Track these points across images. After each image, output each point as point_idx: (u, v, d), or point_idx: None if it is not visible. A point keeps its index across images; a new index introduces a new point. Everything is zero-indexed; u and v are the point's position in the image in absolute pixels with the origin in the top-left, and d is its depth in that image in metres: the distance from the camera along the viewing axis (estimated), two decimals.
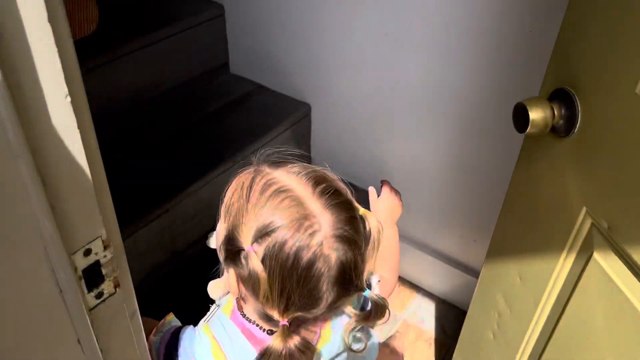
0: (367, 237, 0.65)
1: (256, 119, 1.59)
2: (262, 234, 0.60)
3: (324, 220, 0.60)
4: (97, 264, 0.45)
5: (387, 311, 0.69)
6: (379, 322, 0.70)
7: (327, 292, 0.62)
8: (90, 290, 0.45)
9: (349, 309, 0.70)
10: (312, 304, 0.62)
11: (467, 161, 1.39)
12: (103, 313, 0.47)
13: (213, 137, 1.49)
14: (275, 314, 0.62)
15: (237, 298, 0.71)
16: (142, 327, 0.54)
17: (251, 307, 0.69)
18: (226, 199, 0.65)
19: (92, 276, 0.45)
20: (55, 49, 0.33)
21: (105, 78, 1.43)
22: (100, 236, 0.43)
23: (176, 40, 1.59)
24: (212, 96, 1.68)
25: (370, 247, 0.65)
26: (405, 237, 1.64)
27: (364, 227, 0.65)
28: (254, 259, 0.60)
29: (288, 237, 0.59)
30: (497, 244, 0.97)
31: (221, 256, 0.67)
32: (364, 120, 1.54)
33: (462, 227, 1.51)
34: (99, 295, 0.46)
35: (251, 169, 0.66)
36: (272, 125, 1.57)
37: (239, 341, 0.70)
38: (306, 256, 0.59)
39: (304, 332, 0.69)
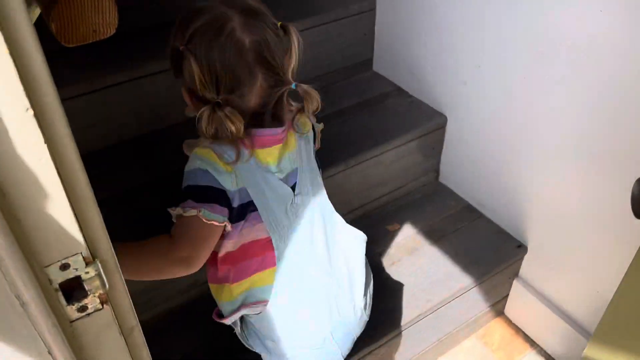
0: (286, 43, 0.82)
1: (386, 122, 1.50)
2: (190, 34, 0.78)
3: (237, 17, 0.77)
4: (78, 279, 0.42)
5: (315, 99, 0.85)
6: (312, 107, 0.86)
7: (249, 72, 0.78)
8: (70, 303, 0.43)
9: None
10: (239, 82, 0.78)
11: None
12: (88, 327, 0.45)
13: (336, 136, 1.44)
14: (211, 96, 0.78)
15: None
16: (144, 342, 0.52)
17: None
18: None
19: (74, 290, 0.43)
20: (10, 60, 0.30)
21: None
22: (81, 252, 0.41)
23: (321, 31, 1.57)
24: (349, 92, 1.63)
25: (294, 50, 0.82)
26: (530, 285, 1.44)
27: (285, 33, 0.82)
28: (186, 53, 0.77)
29: (206, 27, 0.77)
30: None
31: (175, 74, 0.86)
32: (505, 146, 1.37)
33: (602, 286, 1.28)
34: (82, 309, 0.44)
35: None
36: (400, 132, 1.47)
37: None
38: (221, 37, 0.76)
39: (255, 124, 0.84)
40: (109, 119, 1.32)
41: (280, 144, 0.87)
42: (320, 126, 1.03)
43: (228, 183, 0.82)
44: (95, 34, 0.41)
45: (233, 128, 0.77)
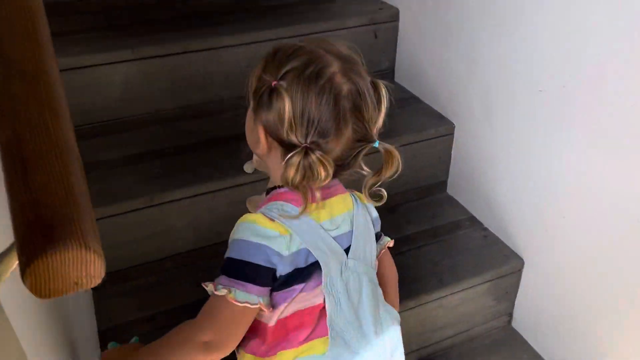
0: (375, 98, 0.76)
1: (456, 258, 1.38)
2: (285, 71, 0.72)
3: (336, 63, 0.74)
4: None
5: (397, 160, 0.78)
6: (391, 171, 0.78)
7: (342, 120, 0.73)
8: None
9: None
10: (330, 128, 0.73)
11: None
12: None
13: (398, 268, 1.34)
14: (298, 140, 0.72)
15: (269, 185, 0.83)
16: None
17: (277, 160, 0.77)
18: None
19: None
20: None
21: None
22: None
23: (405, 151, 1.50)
24: (418, 216, 1.53)
25: (380, 106, 0.76)
26: None
27: (375, 89, 0.77)
28: (280, 90, 0.72)
29: (306, 68, 0.72)
30: None
31: (251, 109, 0.79)
32: (589, 304, 1.20)
33: None
34: None
35: None
36: (471, 272, 1.35)
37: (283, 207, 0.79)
38: (321, 80, 0.71)
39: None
40: (167, 231, 1.31)
41: (334, 197, 0.82)
42: (387, 240, 0.95)
43: (282, 247, 0.75)
44: (77, 285, 0.36)
45: (324, 173, 0.73)
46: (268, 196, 0.82)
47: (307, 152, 0.72)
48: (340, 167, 0.78)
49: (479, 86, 1.41)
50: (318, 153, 0.72)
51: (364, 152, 0.77)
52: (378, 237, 0.91)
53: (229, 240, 0.78)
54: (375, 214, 0.90)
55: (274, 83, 0.72)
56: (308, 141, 0.72)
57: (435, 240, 1.46)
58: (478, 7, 1.34)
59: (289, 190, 0.78)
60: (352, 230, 0.83)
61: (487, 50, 1.35)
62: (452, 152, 1.57)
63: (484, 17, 1.33)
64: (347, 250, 0.82)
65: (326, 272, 0.79)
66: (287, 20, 1.60)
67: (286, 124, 0.72)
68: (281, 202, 0.78)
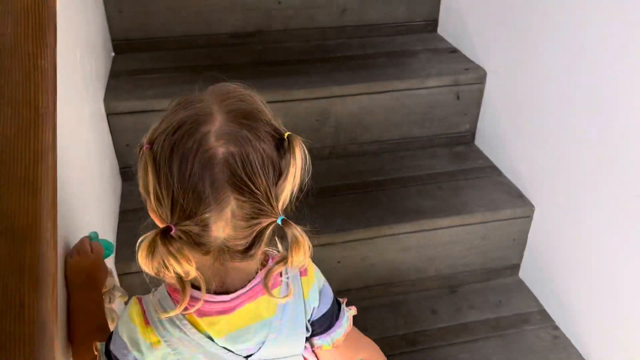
0: (279, 162, 0.59)
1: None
2: (158, 132, 0.58)
3: (219, 118, 0.57)
4: None
5: (303, 249, 0.59)
6: (297, 260, 0.60)
7: (213, 193, 0.55)
8: None
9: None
10: (199, 205, 0.55)
11: None
12: None
13: None
14: (165, 220, 0.57)
15: None
16: None
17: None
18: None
19: None
20: None
21: None
22: None
23: (460, 232, 1.38)
24: (480, 302, 1.40)
25: (291, 173, 0.58)
26: None
27: (286, 149, 0.59)
28: (145, 153, 0.58)
29: (177, 127, 0.57)
30: None
31: None
32: None
33: None
34: None
35: None
36: None
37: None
38: (188, 143, 0.56)
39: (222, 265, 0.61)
40: None
41: (229, 315, 0.65)
42: (351, 312, 0.77)
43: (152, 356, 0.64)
44: None
45: (179, 269, 0.56)
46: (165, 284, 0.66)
47: (160, 235, 0.55)
48: (241, 252, 0.60)
49: (565, 173, 1.25)
50: (175, 245, 0.55)
51: (267, 232, 0.59)
52: (325, 328, 0.74)
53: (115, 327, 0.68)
54: (315, 303, 0.72)
55: (143, 145, 0.59)
56: (173, 222, 0.56)
57: (496, 333, 1.32)
58: (574, 84, 1.19)
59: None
60: (265, 342, 0.67)
61: (580, 136, 1.20)
62: (529, 235, 1.42)
63: (578, 96, 1.18)
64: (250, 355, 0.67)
65: None
66: (363, 75, 1.52)
67: (152, 199, 0.57)
68: (165, 293, 0.64)
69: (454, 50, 1.67)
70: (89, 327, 0.74)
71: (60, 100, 0.55)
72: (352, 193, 1.43)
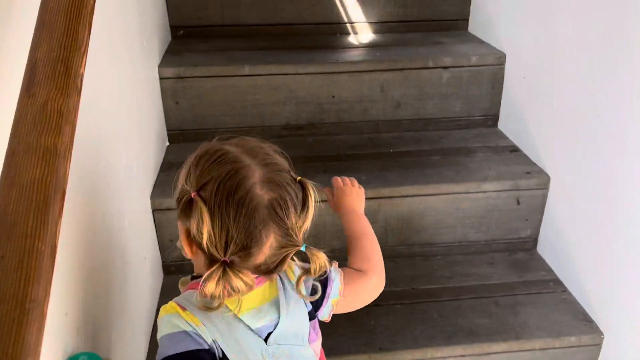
0: (302, 200, 0.74)
1: None
2: (204, 182, 0.71)
3: (258, 171, 0.71)
4: None
5: (320, 261, 0.75)
6: (316, 269, 0.75)
7: (262, 230, 0.70)
8: None
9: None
10: (250, 242, 0.70)
11: None
12: None
13: None
14: (218, 253, 0.70)
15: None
16: None
17: (201, 263, 0.75)
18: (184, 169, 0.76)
19: None
20: None
21: None
22: None
23: (537, 356, 1.24)
24: None
25: (306, 211, 0.73)
26: None
27: (301, 190, 0.74)
28: (198, 201, 0.70)
29: (226, 179, 0.70)
30: None
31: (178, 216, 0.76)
32: None
33: None
34: None
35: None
36: None
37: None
38: (240, 193, 0.69)
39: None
40: None
41: (255, 289, 0.76)
42: (335, 262, 0.86)
43: (207, 335, 0.74)
44: None
45: (244, 287, 0.71)
46: (189, 283, 0.80)
47: (225, 268, 0.70)
48: (266, 272, 0.75)
49: (637, 290, 1.11)
50: (237, 268, 0.70)
51: (290, 256, 0.75)
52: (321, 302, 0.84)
53: (158, 337, 0.75)
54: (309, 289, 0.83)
55: (193, 194, 0.71)
56: (227, 256, 0.70)
57: None
58: None
59: None
60: (279, 316, 0.78)
61: None
62: None
63: None
64: (269, 335, 0.78)
65: None
66: (415, 175, 1.45)
67: (205, 237, 0.70)
68: (195, 292, 0.74)
69: (515, 149, 1.58)
70: None
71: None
72: (399, 303, 1.33)
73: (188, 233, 0.74)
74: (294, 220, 0.72)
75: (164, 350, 0.72)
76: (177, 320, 0.73)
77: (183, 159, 0.77)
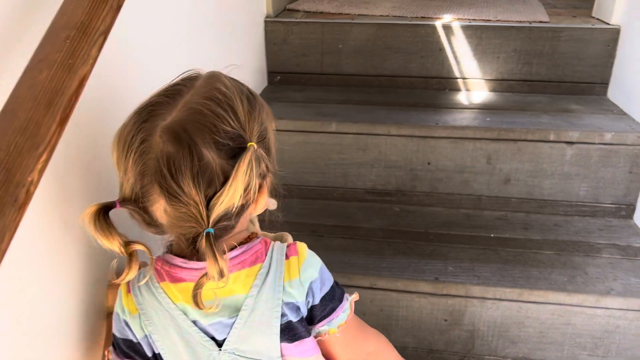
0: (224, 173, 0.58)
1: None
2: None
3: (174, 114, 0.59)
4: None
5: (216, 264, 0.57)
6: (211, 271, 0.58)
7: (148, 185, 0.58)
8: None
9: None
10: (140, 191, 0.59)
11: None
12: None
13: None
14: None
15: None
16: None
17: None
18: None
19: None
20: None
21: None
22: None
23: None
24: None
25: (222, 189, 0.57)
26: None
27: (235, 155, 0.58)
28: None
29: (141, 109, 0.60)
30: None
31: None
32: None
33: None
34: None
35: None
36: None
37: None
38: (144, 132, 0.58)
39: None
40: None
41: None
42: (353, 296, 0.74)
43: (138, 329, 0.67)
44: None
45: (107, 245, 0.59)
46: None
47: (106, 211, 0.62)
48: (189, 245, 0.62)
49: None
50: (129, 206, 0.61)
51: (201, 239, 0.58)
52: (328, 312, 0.70)
53: None
54: (300, 299, 0.67)
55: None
56: (120, 198, 0.62)
57: None
58: None
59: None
60: (235, 320, 0.65)
61: None
62: None
63: None
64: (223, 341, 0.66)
65: None
66: (516, 274, 1.18)
67: (118, 169, 0.64)
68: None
69: None
70: None
71: None
72: None
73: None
74: (193, 195, 0.56)
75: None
76: (118, 300, 0.68)
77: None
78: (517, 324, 1.18)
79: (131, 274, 0.61)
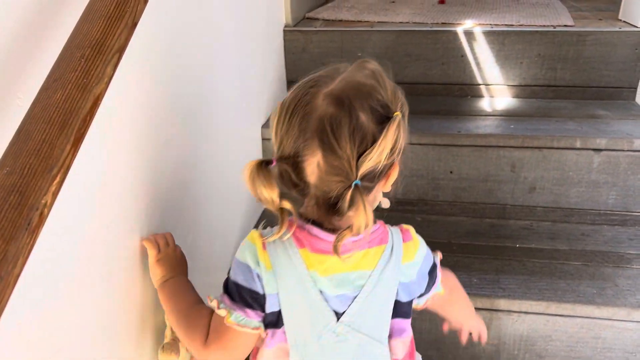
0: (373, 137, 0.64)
1: None
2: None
3: (334, 85, 0.66)
4: None
5: (363, 212, 0.62)
6: (357, 222, 0.63)
7: (308, 140, 0.64)
8: None
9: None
10: (297, 147, 0.65)
11: None
12: None
13: None
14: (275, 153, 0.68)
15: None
16: None
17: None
18: None
19: None
20: None
21: None
22: None
23: None
24: None
25: (371, 149, 0.63)
26: None
27: (383, 121, 0.65)
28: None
29: (303, 85, 0.68)
30: None
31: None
32: None
33: None
34: None
35: None
36: None
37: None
38: (307, 97, 0.65)
39: None
40: None
41: (335, 257, 0.69)
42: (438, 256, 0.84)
43: (269, 284, 0.71)
44: None
45: (266, 194, 0.64)
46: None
47: (263, 167, 0.66)
48: (330, 206, 0.66)
49: None
50: (263, 172, 0.65)
51: (347, 195, 0.63)
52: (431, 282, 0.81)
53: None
54: (414, 277, 0.76)
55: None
56: (276, 156, 0.68)
57: None
58: None
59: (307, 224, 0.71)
60: (357, 295, 0.72)
61: None
62: None
63: None
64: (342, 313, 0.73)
65: (294, 328, 0.73)
66: (543, 286, 1.14)
67: (272, 134, 0.71)
68: (289, 232, 0.70)
69: None
70: (195, 298, 0.82)
71: None
72: None
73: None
74: (348, 150, 0.63)
75: (231, 271, 0.74)
76: (250, 253, 0.72)
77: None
78: (544, 337, 1.14)
79: (283, 230, 0.67)
